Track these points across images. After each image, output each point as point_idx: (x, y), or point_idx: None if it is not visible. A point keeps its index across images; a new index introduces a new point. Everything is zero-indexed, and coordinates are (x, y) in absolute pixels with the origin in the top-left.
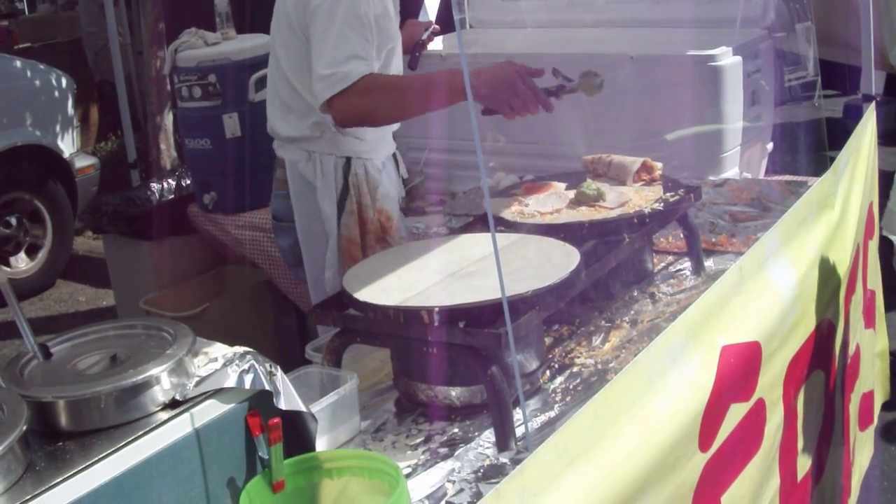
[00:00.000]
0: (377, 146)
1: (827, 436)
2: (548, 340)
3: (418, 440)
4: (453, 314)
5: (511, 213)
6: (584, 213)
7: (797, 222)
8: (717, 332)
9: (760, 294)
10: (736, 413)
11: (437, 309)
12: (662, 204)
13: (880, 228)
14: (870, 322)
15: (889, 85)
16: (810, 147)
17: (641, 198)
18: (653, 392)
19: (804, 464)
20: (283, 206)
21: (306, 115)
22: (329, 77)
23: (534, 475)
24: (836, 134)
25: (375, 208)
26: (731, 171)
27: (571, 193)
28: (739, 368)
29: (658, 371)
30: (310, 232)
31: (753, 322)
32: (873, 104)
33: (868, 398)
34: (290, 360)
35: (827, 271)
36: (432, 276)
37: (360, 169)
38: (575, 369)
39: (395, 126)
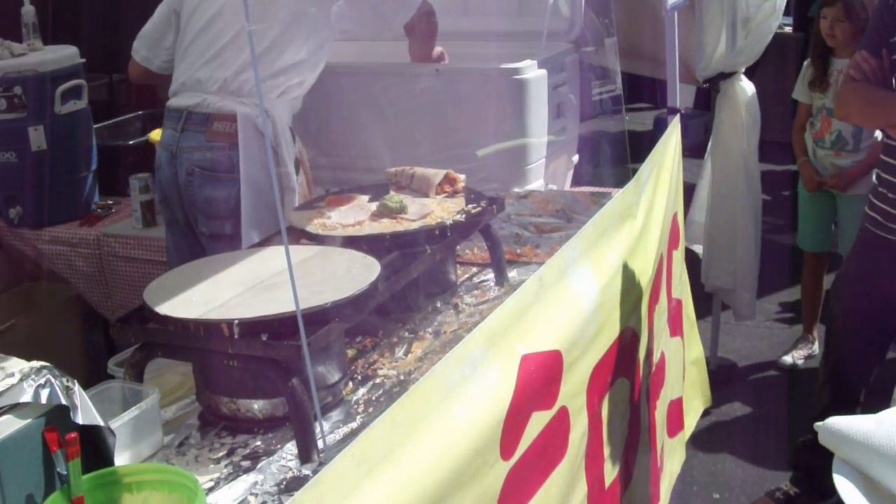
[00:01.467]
0: None
1: (633, 443)
2: (351, 352)
3: (221, 454)
4: (254, 326)
5: (314, 225)
6: (386, 225)
7: (598, 232)
8: (517, 341)
9: (561, 303)
10: (538, 421)
11: (236, 321)
12: (464, 216)
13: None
14: (676, 331)
15: (699, 98)
16: (616, 159)
17: (443, 209)
18: (451, 401)
19: (611, 470)
20: (223, 157)
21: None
22: None
23: (331, 485)
24: (646, 146)
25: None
26: (536, 183)
27: (374, 206)
28: (540, 377)
29: (457, 380)
30: (256, 184)
31: (554, 331)
32: (678, 117)
33: (676, 405)
34: (98, 376)
35: (629, 280)
36: (234, 289)
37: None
38: (377, 380)
39: None
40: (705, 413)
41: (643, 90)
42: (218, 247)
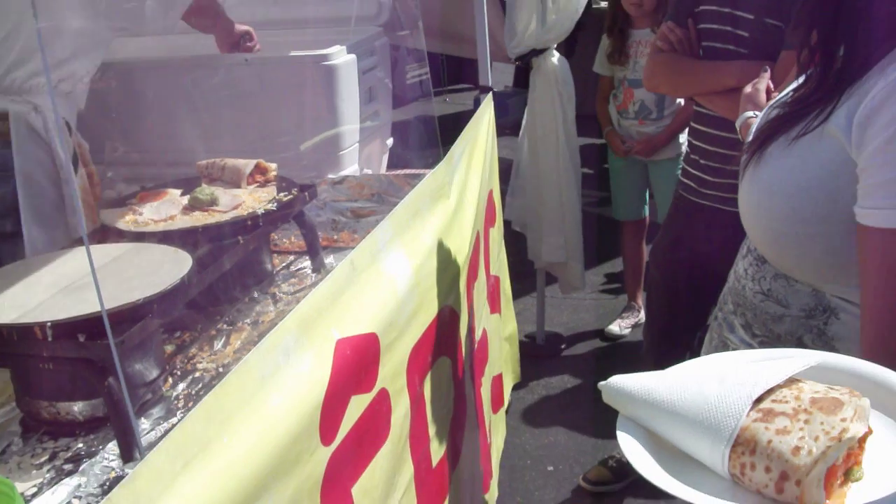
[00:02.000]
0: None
1: (460, 420)
2: (170, 348)
3: (43, 459)
4: (67, 328)
5: (125, 222)
6: (198, 219)
7: (410, 214)
8: (331, 326)
9: (374, 286)
10: (358, 405)
11: (49, 324)
12: (276, 204)
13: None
14: (495, 307)
15: (519, 77)
16: (430, 141)
17: (255, 199)
18: (267, 389)
19: (438, 449)
20: None
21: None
22: None
23: (147, 481)
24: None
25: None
26: (351, 168)
27: (186, 199)
28: (357, 360)
29: (271, 368)
30: (32, 182)
31: (369, 314)
32: (490, 95)
33: (498, 381)
34: None
35: (445, 259)
36: (46, 291)
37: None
38: (197, 374)
39: None
40: (535, 386)
41: (464, 71)
42: (3, 247)
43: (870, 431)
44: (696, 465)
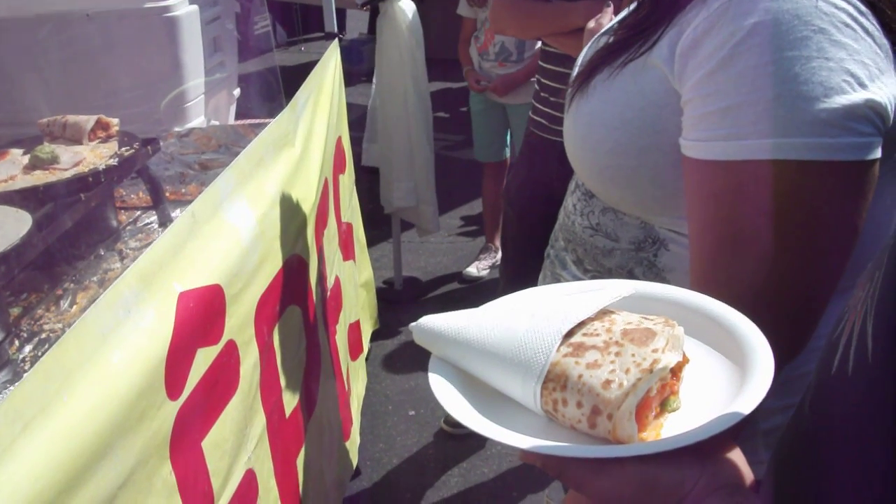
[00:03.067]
0: None
1: (314, 369)
2: (17, 311)
3: None
4: None
5: None
6: (39, 178)
7: (253, 163)
8: (173, 279)
9: (217, 237)
10: (204, 357)
11: None
12: (118, 160)
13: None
14: (349, 254)
15: (372, 23)
16: (277, 89)
17: (96, 155)
18: (108, 346)
19: (291, 399)
20: None
21: None
22: None
23: None
24: None
25: None
26: (198, 121)
27: (27, 159)
28: (201, 313)
29: (110, 324)
30: None
31: (212, 266)
32: (335, 41)
33: (355, 328)
34: None
35: (290, 208)
36: None
37: None
38: (43, 336)
39: None
40: (395, 333)
41: (320, 19)
42: None
43: (685, 360)
44: (511, 404)
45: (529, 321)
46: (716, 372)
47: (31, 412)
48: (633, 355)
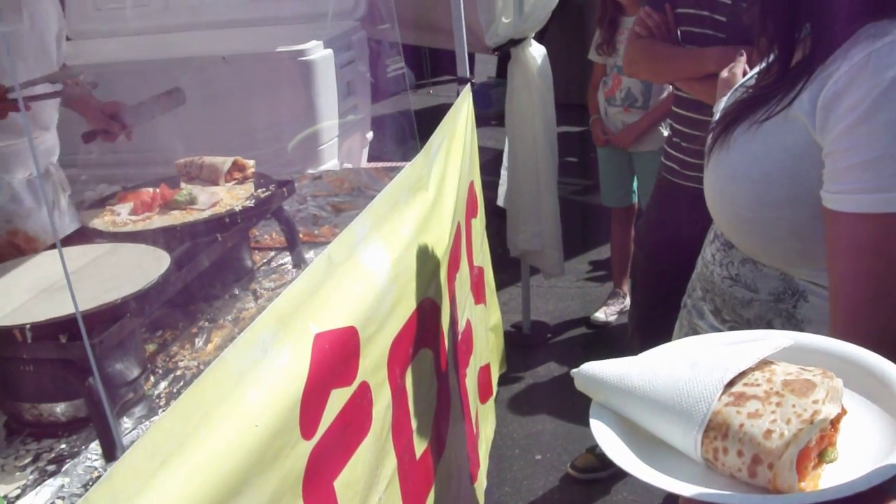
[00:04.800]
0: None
1: (444, 412)
2: (152, 347)
3: (27, 460)
4: (47, 329)
5: (104, 223)
6: (176, 217)
7: (388, 206)
8: (309, 321)
9: (353, 279)
10: (338, 398)
11: (28, 325)
12: (254, 201)
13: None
14: (479, 298)
15: (500, 66)
16: (410, 133)
17: (233, 196)
18: (244, 385)
19: (421, 441)
20: None
21: None
22: None
23: (125, 479)
24: None
25: (6, 230)
26: (331, 163)
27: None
28: (336, 354)
29: (248, 363)
30: None
31: (347, 308)
32: (468, 86)
33: (485, 371)
34: None
35: (424, 251)
36: (25, 293)
37: None
38: (178, 373)
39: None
40: (523, 376)
41: (448, 63)
42: None
43: (843, 412)
44: (671, 450)
45: (691, 370)
46: (872, 424)
47: (170, 448)
48: (793, 406)
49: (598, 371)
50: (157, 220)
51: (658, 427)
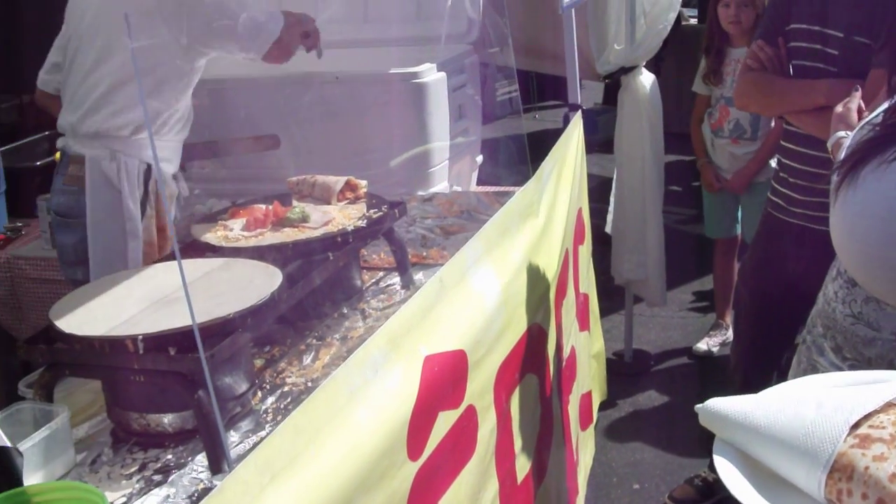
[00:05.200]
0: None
1: (546, 438)
2: (260, 362)
3: (133, 469)
4: (158, 341)
5: (216, 237)
6: (288, 235)
7: (499, 231)
8: (419, 343)
9: (463, 303)
10: (445, 421)
11: (140, 337)
12: (366, 221)
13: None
14: (584, 325)
15: (609, 94)
16: (519, 158)
17: (345, 216)
18: (355, 404)
19: (524, 466)
20: (72, 202)
21: (123, 111)
22: None
23: (235, 493)
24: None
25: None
26: (441, 185)
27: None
28: (445, 377)
29: (359, 383)
30: (103, 229)
31: (457, 331)
32: (579, 113)
33: (587, 399)
34: (11, 398)
35: (533, 277)
36: (138, 305)
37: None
38: (286, 389)
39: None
40: (623, 404)
41: (553, 88)
42: None
43: None
44: (793, 489)
45: (816, 411)
46: None
47: (281, 464)
48: None
49: (722, 408)
50: (270, 237)
51: (781, 466)
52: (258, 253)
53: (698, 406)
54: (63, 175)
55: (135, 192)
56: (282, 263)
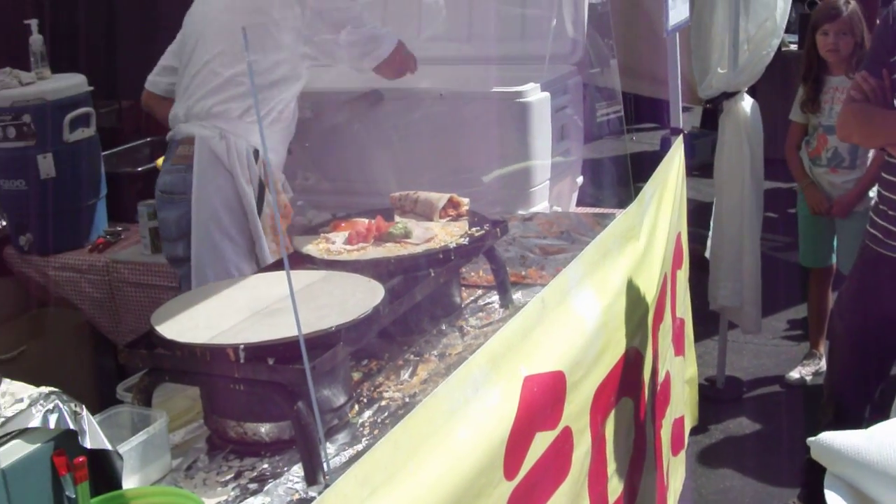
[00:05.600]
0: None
1: (639, 461)
2: (357, 375)
3: (228, 476)
4: (259, 351)
5: (319, 250)
6: (390, 250)
7: (601, 254)
8: (520, 363)
9: (564, 325)
10: (542, 441)
11: (242, 346)
12: (468, 239)
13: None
14: (679, 350)
15: (706, 118)
16: (619, 180)
17: (447, 233)
18: (455, 422)
19: (615, 489)
20: (178, 179)
21: (234, 98)
22: None
23: None
24: (651, 166)
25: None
26: (541, 205)
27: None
28: (543, 397)
29: (459, 401)
30: (207, 205)
31: (557, 352)
32: (681, 137)
33: (679, 424)
34: (108, 401)
35: (633, 301)
36: (239, 314)
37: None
38: (383, 403)
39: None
40: (713, 430)
41: (649, 110)
42: (179, 271)
43: None
44: None
45: None
46: None
47: (380, 478)
48: None
49: (834, 442)
50: (371, 252)
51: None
52: (360, 267)
53: (811, 439)
54: (171, 157)
55: (245, 173)
56: (383, 278)
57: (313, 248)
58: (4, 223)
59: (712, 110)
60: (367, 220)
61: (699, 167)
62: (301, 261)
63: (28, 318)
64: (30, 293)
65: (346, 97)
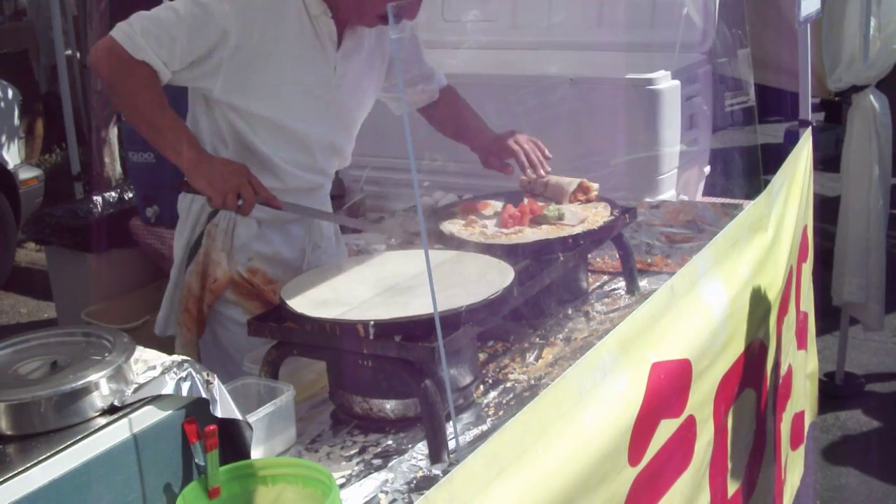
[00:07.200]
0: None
1: (758, 454)
2: (483, 356)
3: (353, 451)
4: (388, 328)
5: (469, 232)
6: (548, 231)
7: (729, 244)
8: (648, 349)
9: (692, 313)
10: (666, 429)
11: (372, 323)
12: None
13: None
14: (802, 343)
15: (829, 111)
16: (747, 171)
17: (595, 216)
18: (582, 405)
19: (735, 481)
20: None
21: None
22: None
23: (463, 484)
24: (776, 159)
25: (247, 267)
26: (668, 194)
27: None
28: (670, 385)
29: (588, 385)
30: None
31: (684, 340)
32: (809, 129)
33: (799, 418)
34: (230, 372)
35: (759, 292)
36: (369, 291)
37: (224, 222)
38: (508, 384)
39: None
40: (831, 426)
41: (775, 102)
42: None
43: None
44: None
45: None
46: None
47: (508, 458)
48: None
49: None
50: (530, 234)
51: None
52: (519, 250)
53: None
54: None
55: (184, 232)
56: (545, 260)
57: (465, 231)
58: (132, 195)
59: (836, 104)
60: (496, 203)
61: (823, 161)
62: (454, 244)
63: (154, 289)
64: (156, 264)
65: (476, 80)
